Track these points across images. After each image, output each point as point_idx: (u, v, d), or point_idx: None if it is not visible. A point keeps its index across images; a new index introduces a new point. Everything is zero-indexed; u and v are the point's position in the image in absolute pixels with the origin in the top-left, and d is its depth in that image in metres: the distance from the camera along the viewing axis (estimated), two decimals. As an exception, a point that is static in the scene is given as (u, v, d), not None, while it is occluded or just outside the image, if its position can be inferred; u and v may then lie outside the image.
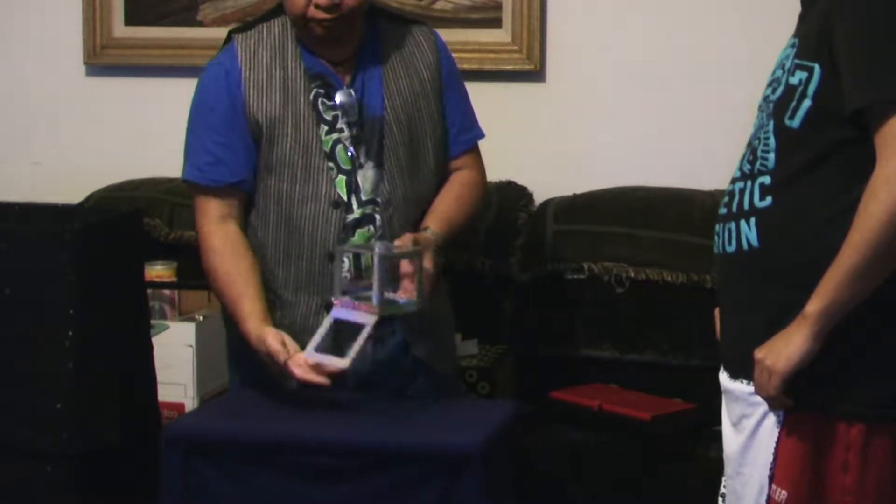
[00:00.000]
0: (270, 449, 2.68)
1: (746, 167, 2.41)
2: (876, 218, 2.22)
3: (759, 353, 2.34)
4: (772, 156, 2.36)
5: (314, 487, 2.65)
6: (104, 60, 4.28)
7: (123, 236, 2.98)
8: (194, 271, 3.84)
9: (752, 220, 2.37)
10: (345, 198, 2.93)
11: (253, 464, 2.67)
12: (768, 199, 2.35)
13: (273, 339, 2.80)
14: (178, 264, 3.83)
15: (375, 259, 2.74)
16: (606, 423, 3.47)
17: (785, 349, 2.30)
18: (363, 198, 2.93)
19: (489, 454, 2.63)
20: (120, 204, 3.95)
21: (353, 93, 2.95)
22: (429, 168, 3.00)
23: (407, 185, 2.95)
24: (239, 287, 2.90)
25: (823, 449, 2.33)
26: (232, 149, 2.94)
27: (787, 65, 2.37)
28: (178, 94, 4.24)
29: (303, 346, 2.79)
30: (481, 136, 3.12)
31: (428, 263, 2.84)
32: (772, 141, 2.36)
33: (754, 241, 2.37)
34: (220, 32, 4.15)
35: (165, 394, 3.19)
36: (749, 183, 2.39)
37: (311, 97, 2.95)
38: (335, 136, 2.94)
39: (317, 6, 2.86)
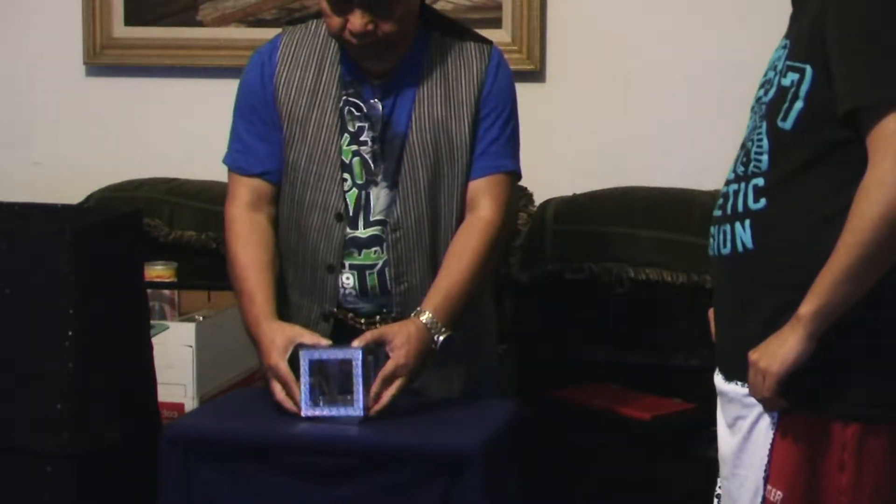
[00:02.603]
0: (270, 449, 2.68)
1: (740, 169, 2.41)
2: (868, 219, 2.22)
3: (754, 355, 2.34)
4: (765, 157, 2.36)
5: (314, 487, 2.64)
6: (104, 60, 4.28)
7: (123, 236, 2.98)
8: (194, 271, 3.86)
9: (747, 222, 2.37)
10: (351, 212, 2.88)
11: (253, 464, 2.67)
12: (762, 201, 2.35)
13: (286, 373, 2.73)
14: (178, 264, 3.83)
15: (303, 364, 2.70)
16: (606, 423, 3.47)
17: (779, 351, 2.30)
18: (371, 218, 2.88)
19: (489, 454, 2.63)
20: (120, 204, 3.94)
21: (380, 106, 2.88)
22: (452, 194, 2.89)
23: (423, 209, 2.87)
24: (253, 281, 2.85)
25: (819, 449, 2.33)
26: (260, 139, 2.93)
27: (779, 66, 2.37)
28: (178, 94, 4.28)
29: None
30: (509, 169, 2.91)
31: (391, 364, 2.71)
32: (765, 143, 2.36)
33: (749, 243, 2.37)
34: (221, 32, 4.20)
35: (165, 394, 3.19)
36: (743, 185, 2.39)
37: (340, 104, 2.89)
38: (355, 147, 2.89)
39: (351, 33, 2.78)
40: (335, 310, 2.92)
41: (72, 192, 3.98)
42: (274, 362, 2.75)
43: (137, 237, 3.10)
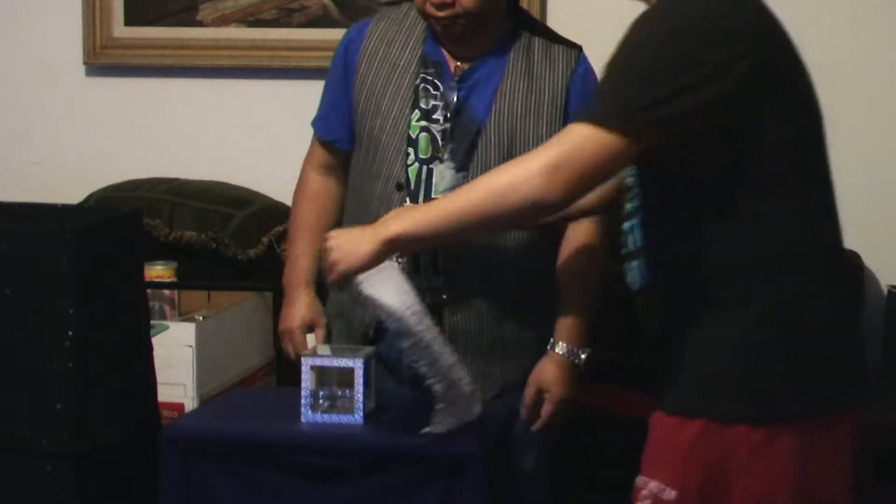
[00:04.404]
0: (270, 449, 2.68)
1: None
2: (491, 187, 2.31)
3: (331, 242, 2.49)
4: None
5: (314, 487, 2.65)
6: (104, 60, 4.28)
7: (123, 236, 2.99)
8: (194, 271, 3.86)
9: (643, 259, 2.42)
10: (413, 185, 2.93)
11: (253, 464, 2.67)
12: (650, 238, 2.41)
13: (301, 342, 3.02)
14: (178, 264, 3.83)
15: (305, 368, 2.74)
16: (606, 423, 3.47)
17: (357, 250, 2.45)
18: (432, 194, 2.93)
19: (490, 455, 2.63)
20: (120, 204, 3.94)
21: (456, 89, 2.95)
22: None
23: None
24: (301, 245, 3.08)
25: (725, 453, 2.31)
26: (336, 108, 3.07)
27: None
28: (178, 94, 4.28)
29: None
30: None
31: (555, 395, 2.91)
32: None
33: (649, 278, 2.41)
34: (221, 32, 4.20)
35: (165, 394, 3.19)
36: (637, 220, 2.44)
37: (417, 81, 2.96)
38: (425, 123, 2.95)
39: (431, 3, 2.87)
40: None
41: (72, 192, 3.98)
42: (287, 327, 3.05)
43: (137, 237, 3.10)
